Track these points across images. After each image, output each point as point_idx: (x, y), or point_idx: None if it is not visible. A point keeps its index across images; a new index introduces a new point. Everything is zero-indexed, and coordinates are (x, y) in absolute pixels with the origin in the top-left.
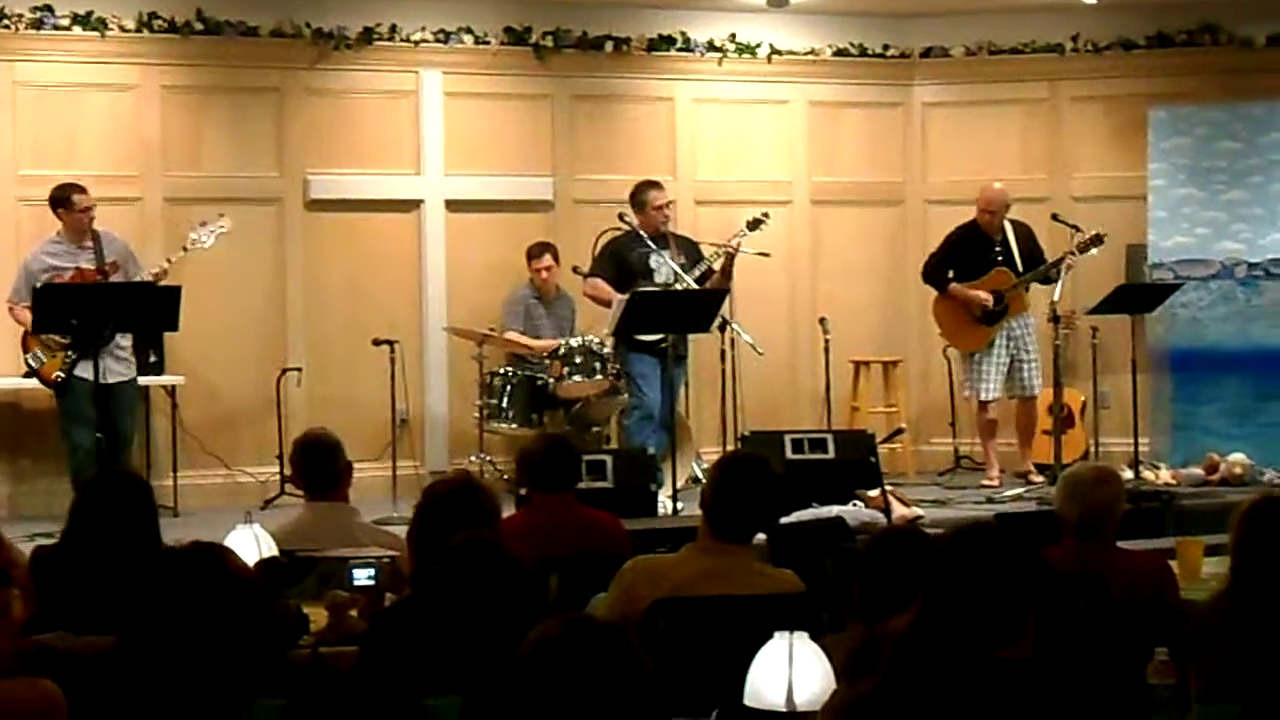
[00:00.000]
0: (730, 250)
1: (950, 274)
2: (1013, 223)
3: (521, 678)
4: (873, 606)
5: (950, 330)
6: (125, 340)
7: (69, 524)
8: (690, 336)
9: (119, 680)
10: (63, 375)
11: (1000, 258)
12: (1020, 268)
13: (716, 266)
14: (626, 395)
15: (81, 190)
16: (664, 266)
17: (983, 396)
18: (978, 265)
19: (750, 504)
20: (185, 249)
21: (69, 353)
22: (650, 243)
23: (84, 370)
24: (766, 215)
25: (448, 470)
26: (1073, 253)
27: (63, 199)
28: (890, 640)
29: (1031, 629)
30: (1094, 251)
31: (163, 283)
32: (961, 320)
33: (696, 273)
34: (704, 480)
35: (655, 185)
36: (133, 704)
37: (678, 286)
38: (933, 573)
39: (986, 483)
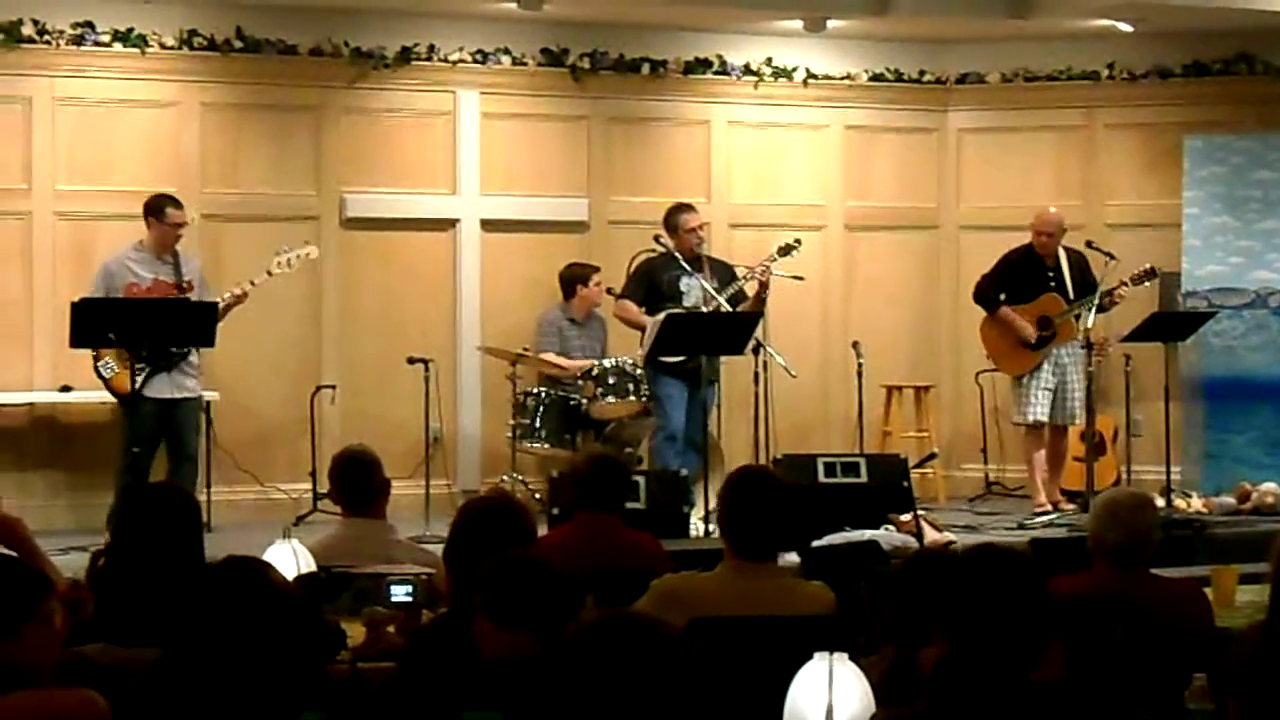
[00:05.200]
0: (760, 278)
1: (1001, 296)
2: (1067, 250)
3: (563, 669)
4: (905, 629)
5: (996, 353)
6: (194, 356)
7: (115, 535)
8: (722, 359)
9: (162, 693)
10: (135, 388)
11: (1053, 283)
12: (1072, 295)
13: (749, 291)
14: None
15: (177, 205)
16: (694, 290)
17: (1030, 420)
18: (1029, 289)
19: (764, 519)
20: (270, 272)
21: (142, 365)
22: (685, 265)
23: (156, 385)
24: (798, 241)
25: (480, 489)
26: (1125, 283)
27: (157, 209)
28: (927, 667)
29: (1058, 651)
30: (1147, 285)
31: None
32: (1009, 343)
33: (727, 294)
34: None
35: (688, 208)
36: (175, 716)
37: (705, 309)
38: (946, 596)
39: (1037, 509)
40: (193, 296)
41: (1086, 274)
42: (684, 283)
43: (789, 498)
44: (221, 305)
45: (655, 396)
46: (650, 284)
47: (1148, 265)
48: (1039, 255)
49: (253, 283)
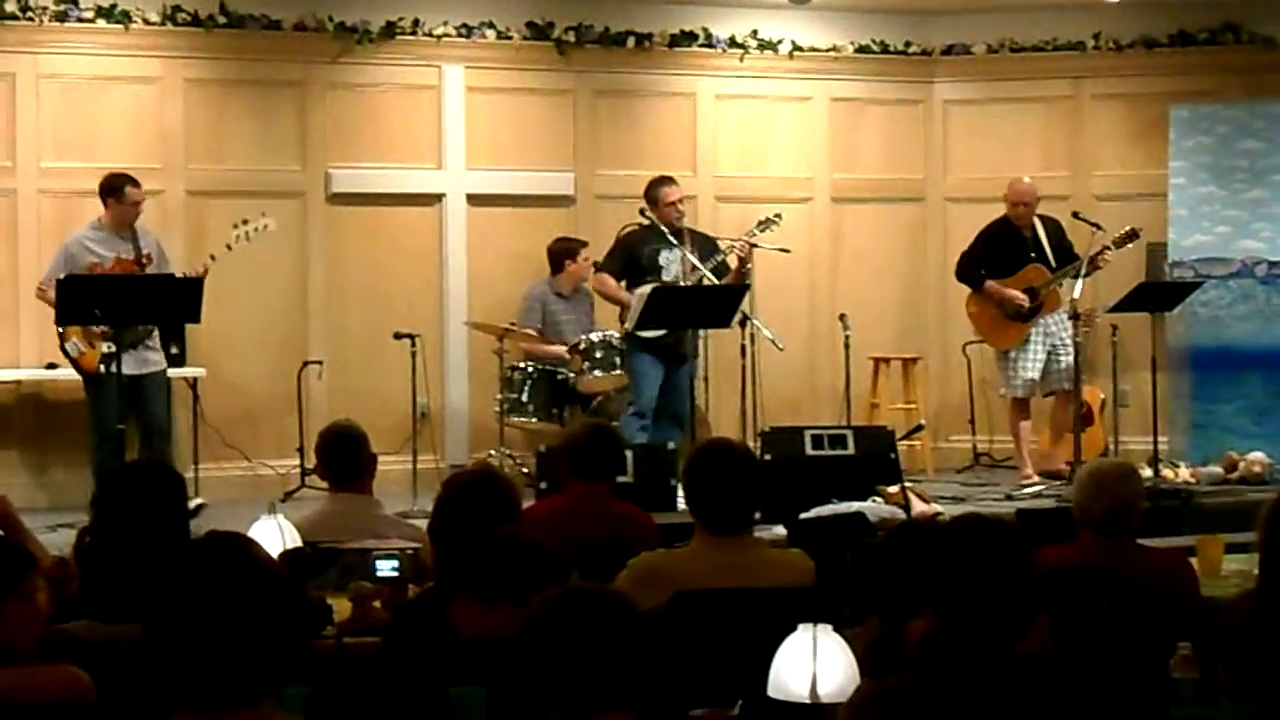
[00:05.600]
0: (740, 253)
1: (983, 271)
2: (1041, 218)
3: (523, 646)
4: (890, 601)
5: (985, 328)
6: (154, 330)
7: (98, 512)
8: (704, 332)
9: (144, 669)
10: (104, 367)
11: (1033, 254)
12: (1053, 263)
13: (731, 264)
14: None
15: (135, 183)
16: (674, 264)
17: (1019, 394)
18: (1011, 262)
19: (729, 492)
20: (229, 246)
21: (109, 344)
22: (668, 237)
23: (124, 362)
24: (779, 216)
25: (468, 464)
26: (1108, 247)
27: (116, 188)
28: (915, 639)
29: (1044, 622)
30: (1129, 246)
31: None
32: (996, 317)
33: (710, 266)
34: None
35: (669, 181)
36: (158, 692)
37: (685, 282)
38: (932, 567)
39: (1024, 481)
40: (150, 269)
41: (1064, 241)
42: (664, 256)
43: (752, 470)
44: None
45: (629, 371)
46: (629, 258)
47: (1128, 227)
48: (1017, 227)
49: (212, 257)
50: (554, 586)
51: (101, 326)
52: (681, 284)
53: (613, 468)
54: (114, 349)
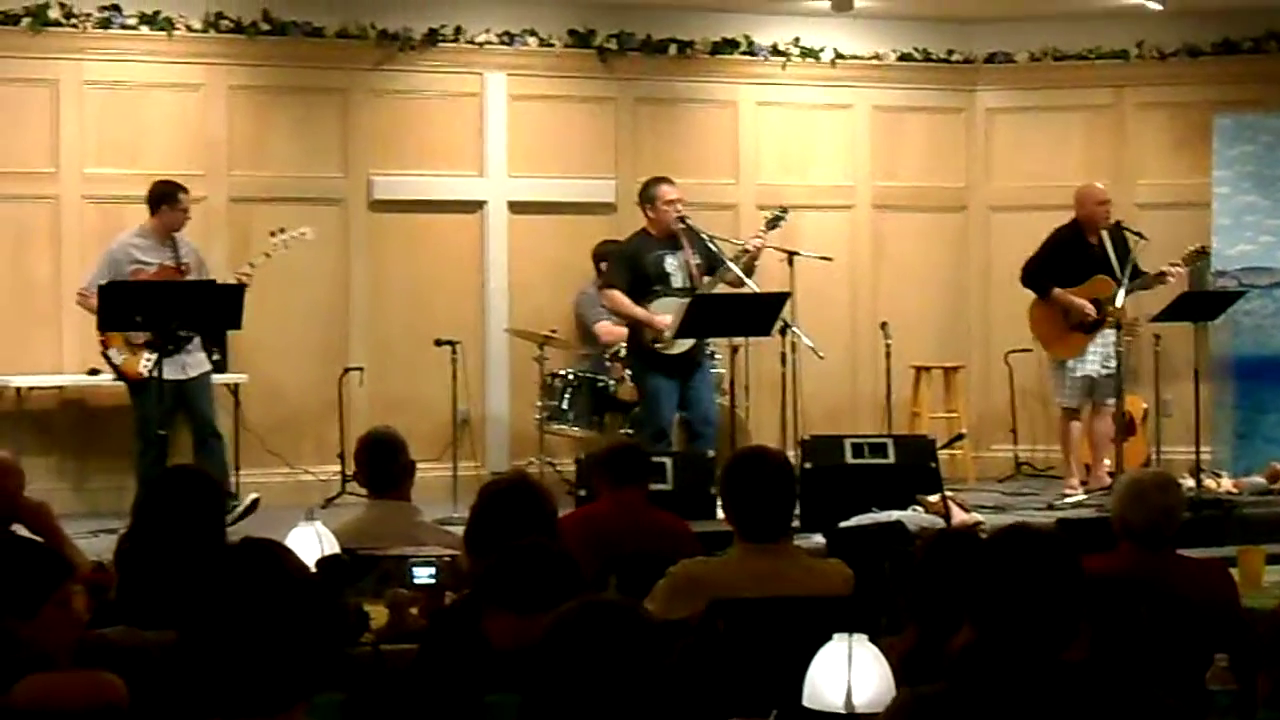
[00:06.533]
0: (750, 250)
1: (1048, 279)
2: (1109, 230)
3: (542, 660)
4: (928, 610)
5: (1045, 335)
6: (194, 335)
7: (137, 518)
8: (743, 340)
9: (179, 675)
10: (147, 373)
11: (1101, 264)
12: (1119, 276)
13: (740, 268)
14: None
15: (185, 190)
16: (679, 269)
17: (1073, 404)
18: (1078, 271)
19: (765, 500)
20: (267, 255)
21: (151, 350)
22: (667, 242)
23: (166, 368)
24: (785, 210)
25: (508, 471)
26: (1177, 264)
27: (169, 195)
28: (952, 647)
29: (1085, 632)
30: (1199, 264)
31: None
32: (1060, 326)
33: (742, 264)
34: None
35: (665, 180)
36: (193, 699)
37: (699, 287)
38: (977, 578)
39: (1068, 491)
40: (190, 279)
41: (1130, 254)
42: (668, 263)
43: (788, 477)
44: None
45: (643, 392)
46: (634, 268)
47: (1199, 245)
48: (1085, 236)
49: (251, 264)
50: (578, 598)
51: (143, 334)
52: (695, 288)
53: (643, 472)
54: (154, 357)
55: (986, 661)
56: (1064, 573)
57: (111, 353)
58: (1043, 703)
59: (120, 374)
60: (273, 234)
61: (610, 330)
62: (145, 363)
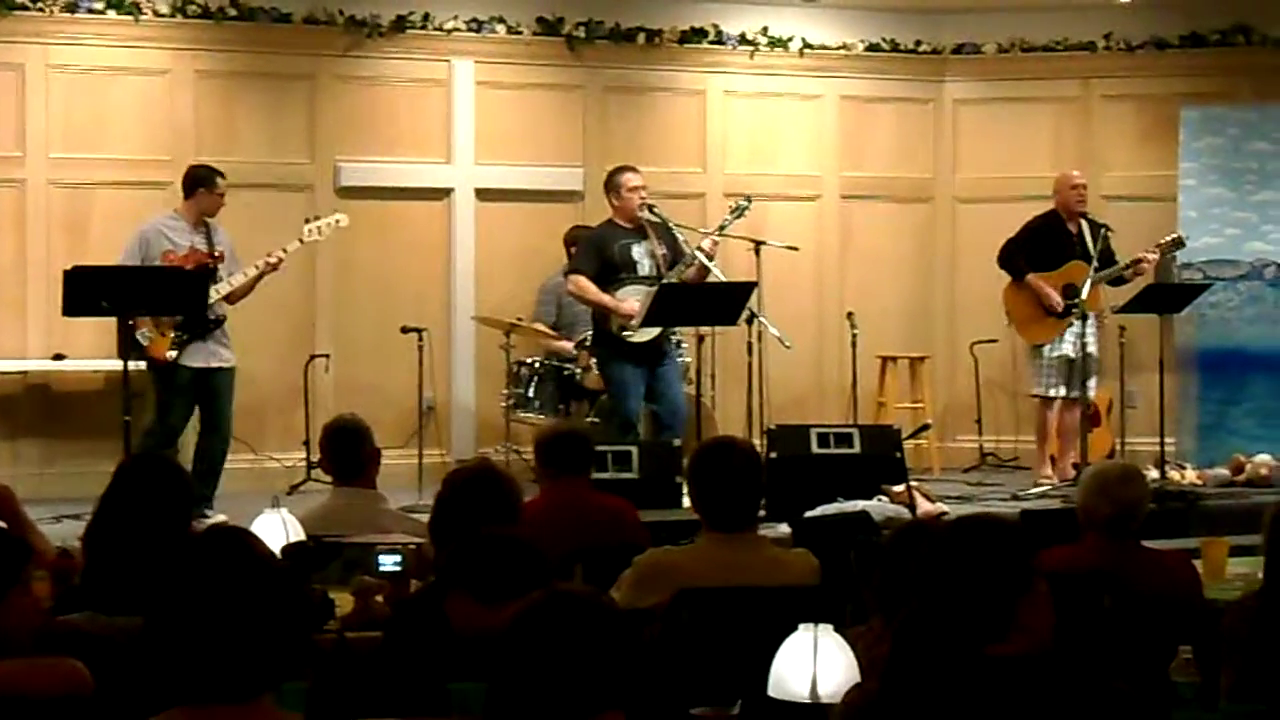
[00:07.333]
0: (705, 250)
1: (1025, 263)
2: (1089, 220)
3: (507, 650)
4: (894, 600)
5: (1020, 320)
6: (223, 324)
7: (103, 503)
8: (709, 330)
9: (145, 662)
10: (174, 356)
11: (1078, 250)
12: (1096, 263)
13: (707, 246)
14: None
15: (223, 175)
16: (645, 257)
17: (1050, 393)
18: (1055, 256)
19: (731, 489)
20: (301, 240)
21: (180, 333)
22: (633, 230)
23: (191, 354)
24: (749, 199)
25: (473, 459)
26: (1151, 252)
27: (206, 179)
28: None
29: (1045, 622)
30: (1175, 254)
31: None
32: (1033, 311)
33: (701, 255)
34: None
35: (629, 168)
36: (158, 686)
37: (667, 275)
38: (922, 569)
39: (1043, 480)
40: (222, 267)
41: (1108, 244)
42: (635, 251)
43: (756, 467)
44: (255, 274)
45: (608, 380)
46: (601, 256)
47: (1175, 234)
48: (1063, 223)
49: (285, 250)
50: (544, 588)
51: (172, 317)
52: (661, 277)
53: (583, 460)
54: (184, 338)
55: (914, 653)
56: (1007, 563)
57: (139, 335)
58: (972, 695)
59: (145, 356)
60: (307, 220)
61: (544, 333)
62: (172, 349)
